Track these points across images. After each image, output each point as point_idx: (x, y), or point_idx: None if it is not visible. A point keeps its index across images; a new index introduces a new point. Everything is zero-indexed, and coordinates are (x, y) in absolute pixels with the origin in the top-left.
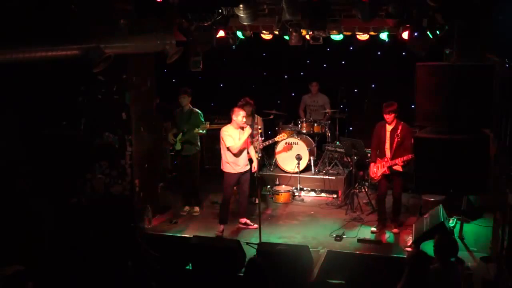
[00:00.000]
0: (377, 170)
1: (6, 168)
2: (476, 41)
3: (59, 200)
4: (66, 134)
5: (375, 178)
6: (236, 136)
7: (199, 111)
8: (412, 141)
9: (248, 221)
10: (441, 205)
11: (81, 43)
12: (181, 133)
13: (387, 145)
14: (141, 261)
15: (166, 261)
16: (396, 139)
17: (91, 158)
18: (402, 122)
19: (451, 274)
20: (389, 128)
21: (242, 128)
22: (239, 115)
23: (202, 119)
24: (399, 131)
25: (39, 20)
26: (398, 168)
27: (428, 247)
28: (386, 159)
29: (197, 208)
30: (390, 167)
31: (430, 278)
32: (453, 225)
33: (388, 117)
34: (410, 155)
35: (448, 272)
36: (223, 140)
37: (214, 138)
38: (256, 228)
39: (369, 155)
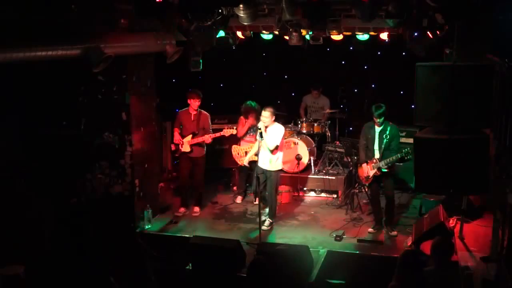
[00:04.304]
0: (368, 172)
1: (6, 168)
2: (476, 41)
3: (59, 200)
4: (66, 134)
5: (367, 181)
6: None
7: (208, 114)
8: (399, 142)
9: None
10: (441, 205)
11: (81, 43)
12: (190, 135)
13: (376, 146)
14: (139, 261)
15: (166, 261)
16: (384, 140)
17: (91, 158)
18: (391, 123)
19: (448, 275)
20: (378, 129)
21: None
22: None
23: (210, 122)
24: (388, 132)
25: (39, 20)
26: (386, 168)
27: None
28: (375, 160)
29: (197, 208)
30: (380, 168)
31: (426, 280)
32: (453, 225)
33: (377, 119)
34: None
35: (444, 273)
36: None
37: (214, 138)
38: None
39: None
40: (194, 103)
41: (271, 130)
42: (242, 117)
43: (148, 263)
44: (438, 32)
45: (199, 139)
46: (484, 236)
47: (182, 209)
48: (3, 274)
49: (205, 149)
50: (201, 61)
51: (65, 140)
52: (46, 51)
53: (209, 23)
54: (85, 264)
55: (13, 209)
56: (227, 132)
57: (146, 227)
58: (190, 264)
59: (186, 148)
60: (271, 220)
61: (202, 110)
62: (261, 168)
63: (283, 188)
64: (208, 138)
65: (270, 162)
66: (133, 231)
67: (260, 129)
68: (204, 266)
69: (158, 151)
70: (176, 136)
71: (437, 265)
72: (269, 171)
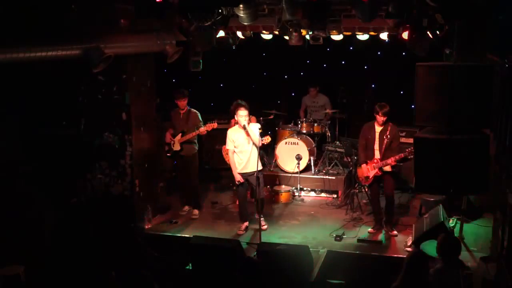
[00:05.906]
0: (368, 172)
1: (6, 168)
2: (476, 41)
3: (59, 200)
4: (66, 134)
5: (367, 181)
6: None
7: (197, 111)
8: (399, 142)
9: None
10: (441, 205)
11: (81, 43)
12: (180, 134)
13: (376, 146)
14: (140, 261)
15: (166, 261)
16: (385, 140)
17: (91, 158)
18: (390, 123)
19: (454, 273)
20: (378, 129)
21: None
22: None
23: (201, 119)
24: (388, 132)
25: (39, 20)
26: (388, 168)
27: (428, 247)
28: (376, 160)
29: (196, 211)
30: (381, 168)
31: (433, 278)
32: (453, 225)
33: (382, 118)
34: (402, 154)
35: (451, 272)
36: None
37: (214, 138)
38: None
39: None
40: (180, 103)
41: (253, 128)
42: (232, 120)
43: (149, 272)
44: (438, 32)
45: (188, 137)
46: (484, 236)
47: (186, 208)
48: (3, 274)
49: (196, 147)
50: (201, 61)
51: (65, 140)
52: (46, 51)
53: (209, 23)
54: (85, 264)
55: (13, 209)
56: (209, 127)
57: (146, 227)
58: (190, 264)
59: (177, 146)
60: (262, 217)
61: (191, 109)
62: (251, 172)
63: (283, 188)
64: (203, 131)
65: (259, 162)
66: (133, 231)
67: (260, 128)
68: (204, 266)
69: (158, 151)
70: (167, 136)
71: (446, 264)
72: (258, 171)
